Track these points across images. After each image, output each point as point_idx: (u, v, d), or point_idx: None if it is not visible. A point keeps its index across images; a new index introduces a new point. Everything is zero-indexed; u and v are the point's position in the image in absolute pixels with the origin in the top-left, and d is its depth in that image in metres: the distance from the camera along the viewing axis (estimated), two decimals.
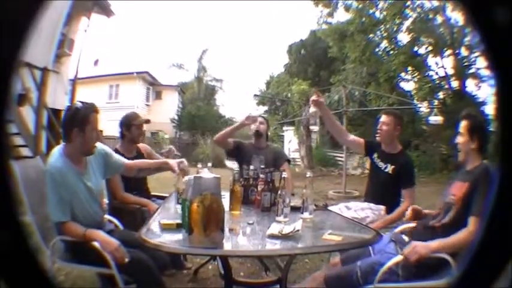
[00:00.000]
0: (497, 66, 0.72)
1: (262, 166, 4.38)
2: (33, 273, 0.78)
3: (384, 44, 26.08)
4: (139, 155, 5.18)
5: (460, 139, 3.51)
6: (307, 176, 3.80)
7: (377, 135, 4.72)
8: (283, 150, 6.11)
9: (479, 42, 0.71)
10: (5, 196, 0.74)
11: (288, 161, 5.48)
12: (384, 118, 4.65)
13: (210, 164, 3.52)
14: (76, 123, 3.42)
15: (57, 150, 3.55)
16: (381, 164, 4.60)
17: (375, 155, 4.71)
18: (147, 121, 5.22)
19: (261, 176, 4.10)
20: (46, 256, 3.48)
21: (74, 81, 16.73)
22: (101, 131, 3.95)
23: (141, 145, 5.33)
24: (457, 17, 21.18)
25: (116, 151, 4.72)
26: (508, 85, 0.71)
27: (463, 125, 3.50)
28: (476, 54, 20.92)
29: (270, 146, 5.45)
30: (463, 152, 3.50)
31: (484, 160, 3.40)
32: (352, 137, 5.19)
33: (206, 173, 2.85)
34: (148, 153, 5.39)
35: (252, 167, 4.29)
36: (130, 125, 5.01)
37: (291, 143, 29.75)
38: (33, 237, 3.60)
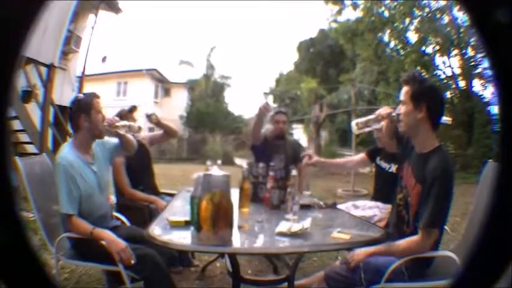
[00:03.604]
0: (498, 67, 0.70)
1: (282, 165, 4.35)
2: (33, 274, 0.76)
3: (393, 43, 26.09)
4: (140, 146, 5.18)
5: (402, 108, 3.15)
6: (292, 174, 3.81)
7: (378, 143, 4.69)
8: (301, 144, 6.08)
9: (478, 41, 0.71)
10: (5, 193, 0.73)
11: None
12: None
13: (219, 162, 3.53)
14: (81, 110, 3.64)
15: (67, 144, 3.72)
16: (385, 165, 4.56)
17: (378, 158, 4.68)
18: (134, 108, 5.24)
19: (270, 173, 4.10)
20: (51, 253, 3.52)
21: (82, 78, 16.72)
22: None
23: (141, 137, 5.32)
24: (464, 16, 21.19)
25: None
26: (509, 86, 0.70)
27: (405, 91, 3.13)
28: (483, 54, 20.87)
29: (288, 140, 5.43)
30: (406, 124, 3.13)
31: (440, 144, 3.08)
32: (353, 160, 5.21)
33: (215, 171, 2.85)
34: (149, 139, 5.45)
35: (261, 165, 4.28)
36: (126, 117, 5.02)
37: (300, 141, 29.84)
38: (38, 234, 3.64)
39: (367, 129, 3.93)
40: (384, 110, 3.73)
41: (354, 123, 3.97)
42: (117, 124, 3.92)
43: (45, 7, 0.69)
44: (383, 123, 3.70)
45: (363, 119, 3.89)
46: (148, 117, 5.37)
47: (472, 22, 0.70)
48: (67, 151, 3.58)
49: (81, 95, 3.82)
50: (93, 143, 3.79)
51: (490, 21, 0.67)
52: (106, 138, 3.95)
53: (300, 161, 5.02)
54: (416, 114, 3.03)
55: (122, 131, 3.95)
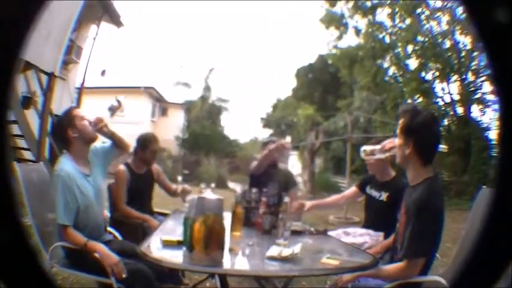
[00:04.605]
0: (497, 68, 0.73)
1: (275, 192, 4.38)
2: (33, 274, 0.78)
3: (393, 70, 26.12)
4: (149, 171, 5.27)
5: (397, 141, 3.21)
6: (284, 201, 3.86)
7: (368, 169, 4.77)
8: (291, 173, 6.07)
9: (478, 40, 0.73)
10: (6, 195, 0.75)
11: (295, 184, 5.54)
12: None
13: (213, 185, 3.58)
14: (65, 125, 3.75)
15: (64, 157, 3.77)
16: (375, 194, 4.56)
17: (368, 187, 4.71)
18: (163, 150, 5.37)
19: (263, 199, 4.15)
20: (45, 260, 3.56)
21: (81, 90, 16.67)
22: (104, 143, 4.11)
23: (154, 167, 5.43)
24: (465, 40, 21.27)
25: (127, 165, 4.85)
26: (508, 87, 0.73)
27: (399, 123, 3.15)
28: (483, 78, 20.92)
29: (279, 169, 5.45)
30: (399, 157, 3.18)
31: (429, 176, 3.07)
32: (345, 195, 5.25)
33: (209, 194, 2.90)
34: (157, 173, 5.47)
35: (254, 190, 4.33)
36: (147, 147, 5.14)
37: (294, 168, 29.73)
38: (32, 240, 3.68)
39: (372, 157, 4.05)
40: (389, 143, 3.83)
41: (362, 149, 4.20)
42: (102, 119, 3.99)
43: (44, 8, 0.72)
44: (387, 154, 3.78)
45: (370, 147, 4.05)
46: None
47: (470, 21, 0.74)
48: (65, 163, 3.66)
49: (60, 114, 4.00)
50: (88, 153, 3.88)
51: (490, 21, 0.70)
52: (100, 141, 4.05)
53: (290, 188, 5.07)
54: (405, 149, 3.07)
55: (108, 126, 4.02)
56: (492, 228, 0.78)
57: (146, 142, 5.15)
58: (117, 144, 4.15)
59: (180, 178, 5.55)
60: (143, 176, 5.20)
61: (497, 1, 0.71)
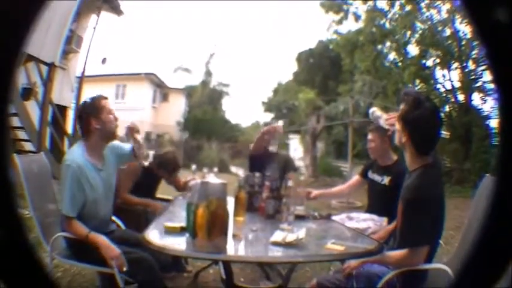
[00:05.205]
0: (497, 67, 0.72)
1: (277, 175, 4.35)
2: (31, 271, 0.77)
3: (393, 55, 26.11)
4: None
5: (396, 123, 3.15)
6: (288, 185, 3.84)
7: (369, 154, 4.77)
8: (292, 158, 6.07)
9: (477, 39, 0.71)
10: (4, 191, 0.73)
11: (295, 170, 5.52)
12: (369, 136, 4.68)
13: (216, 169, 3.55)
14: (91, 113, 3.61)
15: (77, 147, 3.68)
16: (377, 178, 4.56)
17: (370, 172, 4.71)
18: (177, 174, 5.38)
19: (266, 183, 4.11)
20: (46, 251, 3.53)
21: (81, 79, 16.69)
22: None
23: None
24: (465, 29, 21.20)
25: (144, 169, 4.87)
26: (508, 85, 0.71)
27: (400, 107, 3.11)
28: (483, 67, 20.87)
29: (279, 153, 5.42)
30: (397, 140, 3.15)
31: (425, 163, 3.01)
32: (350, 184, 5.23)
33: (212, 178, 2.86)
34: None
35: (257, 174, 4.29)
36: (163, 168, 5.21)
37: (296, 152, 29.75)
38: (33, 232, 3.65)
39: (376, 121, 3.98)
40: (394, 119, 3.74)
41: (372, 110, 4.05)
42: (138, 129, 3.96)
43: (46, 5, 0.70)
44: (388, 128, 3.70)
45: (378, 113, 3.93)
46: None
47: (470, 20, 0.71)
48: (78, 154, 3.57)
49: (87, 99, 3.77)
50: (105, 147, 3.78)
51: (489, 20, 0.68)
52: (118, 142, 3.98)
53: (288, 172, 5.03)
54: (401, 136, 3.05)
55: (139, 137, 3.98)
56: (492, 226, 0.76)
57: (165, 166, 5.21)
58: (137, 154, 4.07)
59: (194, 166, 5.54)
60: (153, 174, 5.19)
61: (497, 1, 0.69)
